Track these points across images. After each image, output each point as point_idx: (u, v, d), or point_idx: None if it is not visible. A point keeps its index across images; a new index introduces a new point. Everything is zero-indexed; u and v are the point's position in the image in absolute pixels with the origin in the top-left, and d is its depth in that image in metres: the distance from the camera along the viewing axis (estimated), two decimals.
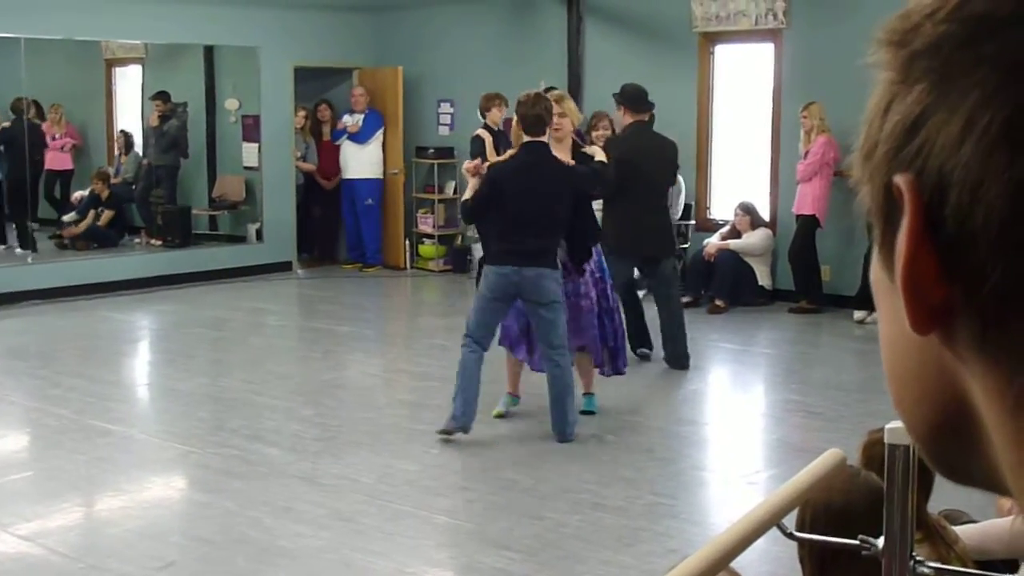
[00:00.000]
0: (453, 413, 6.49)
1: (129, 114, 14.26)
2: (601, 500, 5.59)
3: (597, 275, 7.15)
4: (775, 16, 10.85)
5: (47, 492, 5.92)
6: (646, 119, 8.55)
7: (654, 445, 6.65)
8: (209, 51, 13.62)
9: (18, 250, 12.37)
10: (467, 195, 6.78)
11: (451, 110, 13.54)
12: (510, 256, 6.38)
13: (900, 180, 0.55)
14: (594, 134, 8.98)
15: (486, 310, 6.54)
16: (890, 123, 0.57)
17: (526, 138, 6.48)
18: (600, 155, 7.19)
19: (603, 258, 7.29)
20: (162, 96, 13.42)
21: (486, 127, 9.10)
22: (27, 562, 4.93)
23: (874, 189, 0.58)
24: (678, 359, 8.46)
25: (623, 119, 8.51)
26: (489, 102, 9.70)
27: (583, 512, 5.42)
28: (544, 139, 6.52)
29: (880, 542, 1.80)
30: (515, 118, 6.65)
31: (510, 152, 6.87)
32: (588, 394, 7.23)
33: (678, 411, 7.54)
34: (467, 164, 7.21)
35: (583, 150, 7.18)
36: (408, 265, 13.46)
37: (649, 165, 8.23)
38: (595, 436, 6.76)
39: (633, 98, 8.47)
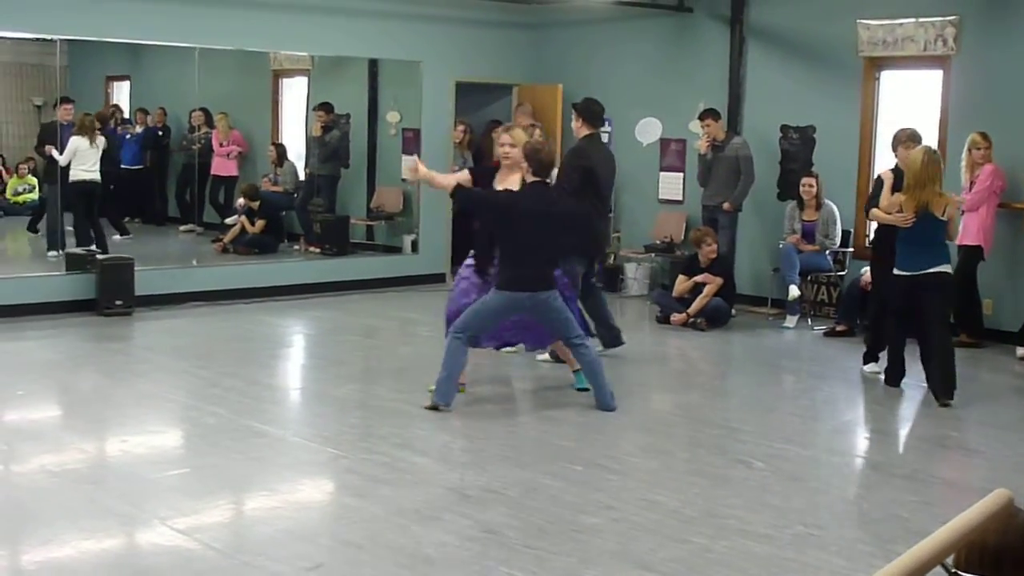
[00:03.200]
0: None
1: (294, 124, 14.63)
2: (748, 527, 5.51)
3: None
4: (944, 42, 10.60)
5: (203, 489, 6.09)
6: (598, 132, 9.66)
7: (804, 474, 6.54)
8: (373, 64, 13.90)
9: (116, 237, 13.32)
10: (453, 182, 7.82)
11: (609, 128, 13.54)
12: (521, 282, 7.44)
13: None
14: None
15: (490, 318, 7.62)
16: None
17: (533, 178, 7.54)
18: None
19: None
20: (325, 107, 13.74)
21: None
22: (183, 555, 5.08)
23: None
24: (615, 337, 9.59)
25: (579, 130, 9.43)
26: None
27: (729, 538, 5.35)
28: (548, 180, 7.71)
29: None
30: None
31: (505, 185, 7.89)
32: (577, 371, 8.15)
33: (830, 441, 7.39)
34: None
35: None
36: None
37: (603, 173, 9.41)
38: (742, 462, 6.67)
39: (593, 114, 9.51)
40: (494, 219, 7.65)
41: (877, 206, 8.62)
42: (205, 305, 11.39)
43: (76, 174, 12.09)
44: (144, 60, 14.20)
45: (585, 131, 9.39)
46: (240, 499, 6.07)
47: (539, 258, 7.50)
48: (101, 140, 12.26)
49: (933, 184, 8.14)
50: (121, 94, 15.16)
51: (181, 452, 6.94)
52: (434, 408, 7.57)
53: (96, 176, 12.20)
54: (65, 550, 5.08)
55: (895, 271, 8.29)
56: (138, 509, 5.63)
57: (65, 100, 12.35)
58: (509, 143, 7.91)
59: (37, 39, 11.95)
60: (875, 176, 8.59)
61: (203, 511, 5.77)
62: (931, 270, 8.16)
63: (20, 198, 15.39)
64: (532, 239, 7.42)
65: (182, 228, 14.25)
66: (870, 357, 9.05)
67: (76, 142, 12.01)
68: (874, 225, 9.33)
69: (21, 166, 15.47)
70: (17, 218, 14.81)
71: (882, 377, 8.70)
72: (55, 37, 11.43)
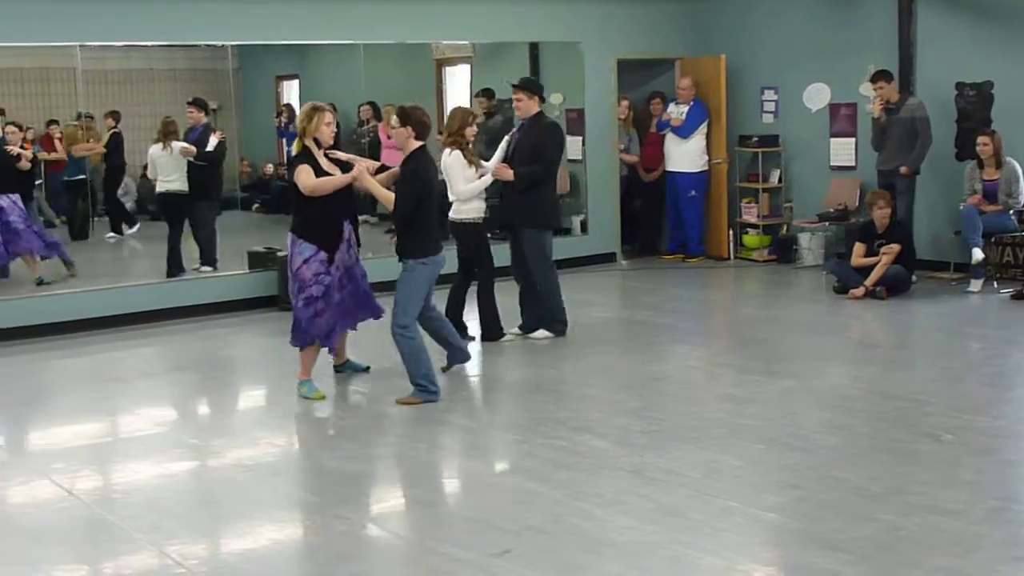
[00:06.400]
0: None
1: None
2: (938, 503, 5.37)
3: None
4: None
5: (389, 479, 6.23)
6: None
7: (997, 446, 6.33)
8: (534, 47, 13.92)
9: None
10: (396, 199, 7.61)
11: (775, 97, 13.31)
12: (438, 245, 7.65)
13: None
14: (467, 131, 9.04)
15: (422, 292, 7.70)
16: None
17: (417, 144, 7.55)
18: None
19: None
20: (487, 93, 13.82)
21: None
22: (373, 545, 5.22)
23: None
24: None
25: (530, 108, 9.24)
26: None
27: (919, 515, 5.22)
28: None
29: None
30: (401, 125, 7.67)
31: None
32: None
33: (1022, 410, 7.13)
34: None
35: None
36: (731, 255, 13.34)
37: (561, 148, 9.54)
38: (930, 435, 6.50)
39: (542, 89, 9.55)
40: (421, 198, 7.51)
41: None
42: (386, 294, 11.57)
43: (159, 185, 11.62)
44: (312, 59, 14.52)
45: (535, 108, 9.30)
46: (424, 488, 6.18)
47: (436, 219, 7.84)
48: (177, 145, 11.52)
49: None
50: (291, 93, 15.53)
51: (363, 444, 7.08)
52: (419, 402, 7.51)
53: (178, 186, 11.50)
54: (262, 541, 5.27)
55: None
56: (326, 500, 5.78)
57: (191, 103, 11.92)
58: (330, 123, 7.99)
59: (209, 45, 12.33)
60: None
61: (387, 500, 5.91)
62: None
63: None
64: (433, 203, 7.68)
65: (360, 219, 14.49)
66: None
67: (151, 151, 11.58)
68: None
69: None
70: None
71: None
72: (226, 43, 11.79)
